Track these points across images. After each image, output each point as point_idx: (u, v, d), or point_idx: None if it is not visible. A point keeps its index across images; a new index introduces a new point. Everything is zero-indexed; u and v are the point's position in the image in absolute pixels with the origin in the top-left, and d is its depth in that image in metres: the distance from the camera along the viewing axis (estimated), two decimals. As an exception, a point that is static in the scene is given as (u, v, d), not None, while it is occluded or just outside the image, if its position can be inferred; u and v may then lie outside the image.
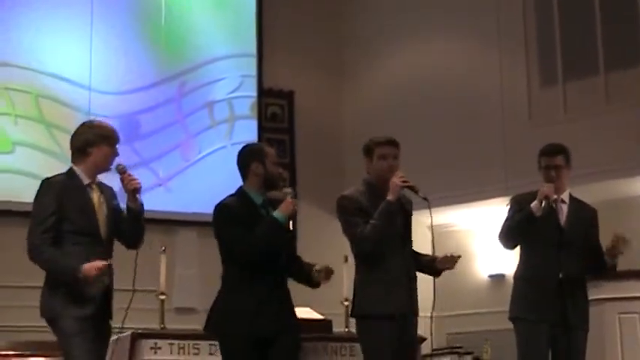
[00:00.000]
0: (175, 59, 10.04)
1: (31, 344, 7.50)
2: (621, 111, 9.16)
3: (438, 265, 5.04)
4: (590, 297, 5.94)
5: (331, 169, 10.38)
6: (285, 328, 4.77)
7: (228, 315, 4.77)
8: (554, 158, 5.40)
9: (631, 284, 6.06)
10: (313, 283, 4.96)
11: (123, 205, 4.83)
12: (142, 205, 4.78)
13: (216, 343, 5.53)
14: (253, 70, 10.46)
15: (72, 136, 4.81)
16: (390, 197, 4.86)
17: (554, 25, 9.84)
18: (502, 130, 9.61)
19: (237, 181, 5.01)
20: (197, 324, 8.10)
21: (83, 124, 4.86)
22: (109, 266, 4.56)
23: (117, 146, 4.80)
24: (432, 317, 4.96)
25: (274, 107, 10.75)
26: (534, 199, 5.26)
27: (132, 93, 9.69)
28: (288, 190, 4.84)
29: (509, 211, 5.46)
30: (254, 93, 10.43)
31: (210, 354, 5.59)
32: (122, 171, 4.76)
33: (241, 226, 4.74)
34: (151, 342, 5.48)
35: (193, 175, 9.70)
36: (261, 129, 10.35)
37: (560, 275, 5.25)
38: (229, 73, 10.29)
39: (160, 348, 5.49)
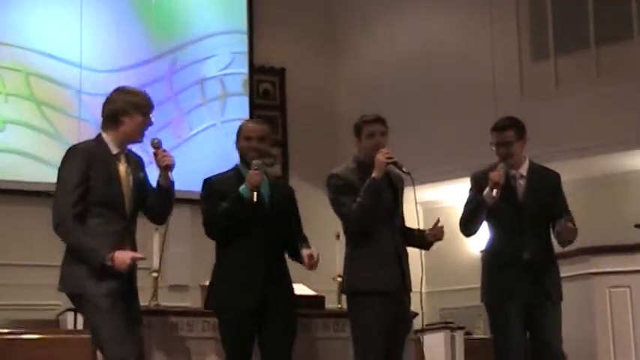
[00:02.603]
0: (166, 36, 10.00)
1: (23, 322, 7.50)
2: (613, 84, 9.17)
3: (428, 238, 5.04)
4: (579, 272, 5.94)
5: (323, 146, 10.36)
6: (273, 303, 4.75)
7: (213, 290, 4.88)
8: (504, 134, 5.16)
9: (621, 258, 6.02)
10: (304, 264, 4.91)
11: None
12: (173, 182, 4.50)
13: (209, 320, 5.59)
14: (244, 47, 10.43)
15: (104, 102, 4.50)
16: (374, 174, 4.84)
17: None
18: (494, 105, 9.59)
19: (229, 159, 5.01)
20: (190, 301, 8.16)
21: (117, 90, 4.54)
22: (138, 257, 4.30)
23: (151, 115, 4.46)
24: (421, 293, 4.97)
25: (266, 84, 10.72)
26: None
27: (123, 70, 9.64)
28: (255, 161, 4.73)
29: (469, 191, 5.24)
30: (245, 70, 10.41)
31: (204, 330, 5.59)
32: (156, 146, 4.46)
33: (216, 201, 4.75)
34: (144, 319, 5.48)
35: (185, 153, 9.59)
36: (252, 106, 10.32)
37: (525, 257, 5.01)
38: (220, 50, 10.26)
39: (154, 325, 5.49)
